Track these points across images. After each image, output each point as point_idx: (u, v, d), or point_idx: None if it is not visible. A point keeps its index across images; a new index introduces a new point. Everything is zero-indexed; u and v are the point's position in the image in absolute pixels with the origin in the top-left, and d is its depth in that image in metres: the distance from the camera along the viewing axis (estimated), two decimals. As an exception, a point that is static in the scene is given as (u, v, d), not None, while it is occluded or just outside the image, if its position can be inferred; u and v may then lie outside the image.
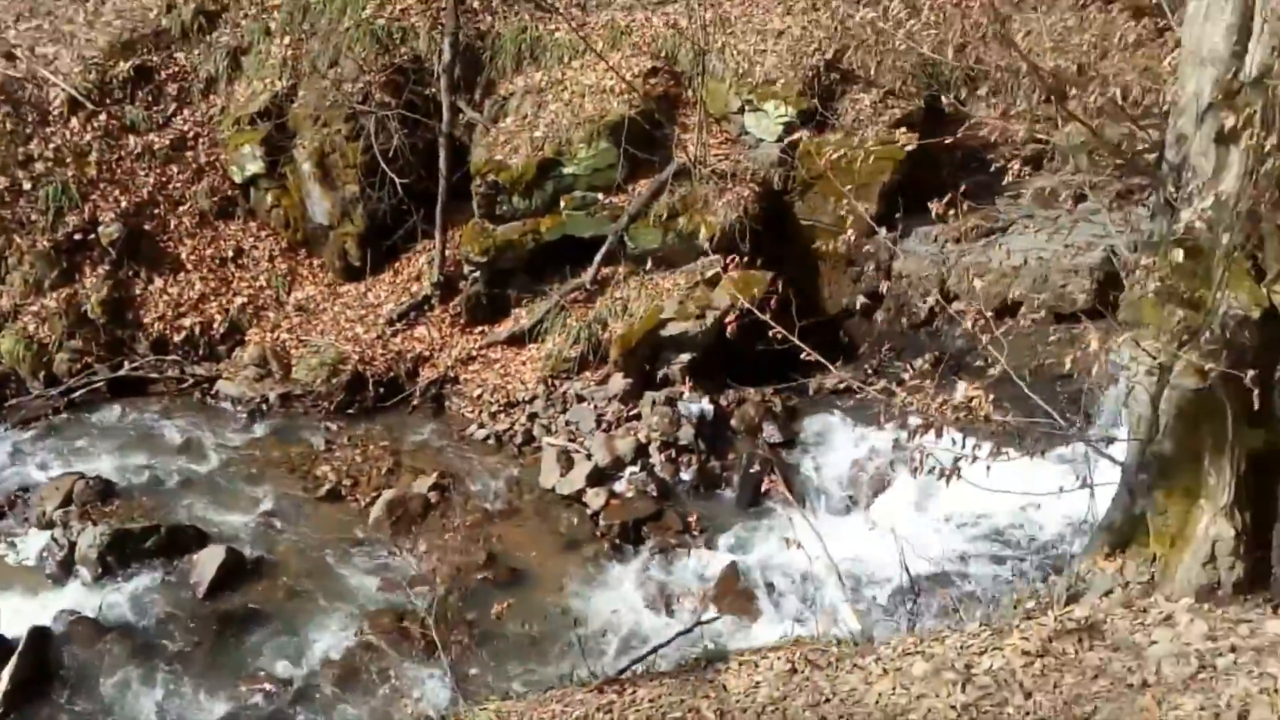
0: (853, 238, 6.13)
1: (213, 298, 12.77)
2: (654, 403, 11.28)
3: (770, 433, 11.32)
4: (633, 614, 9.60)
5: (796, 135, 11.51)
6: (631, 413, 11.48)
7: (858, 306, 12.04)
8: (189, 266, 12.86)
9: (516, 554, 10.14)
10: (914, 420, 4.40)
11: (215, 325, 12.63)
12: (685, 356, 11.59)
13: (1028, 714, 3.44)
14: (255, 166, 12.80)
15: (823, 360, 5.18)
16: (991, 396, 4.45)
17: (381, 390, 12.06)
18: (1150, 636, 3.62)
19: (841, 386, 11.93)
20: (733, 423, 11.49)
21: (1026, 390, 4.96)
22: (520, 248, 12.15)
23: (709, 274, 11.93)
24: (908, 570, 6.87)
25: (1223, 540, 3.77)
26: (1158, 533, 3.99)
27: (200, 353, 12.58)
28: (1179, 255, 3.56)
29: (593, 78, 11.75)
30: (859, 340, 12.21)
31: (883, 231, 7.09)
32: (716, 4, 11.97)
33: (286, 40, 12.94)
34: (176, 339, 12.50)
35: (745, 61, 11.72)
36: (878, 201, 11.56)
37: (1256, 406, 3.70)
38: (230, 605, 9.46)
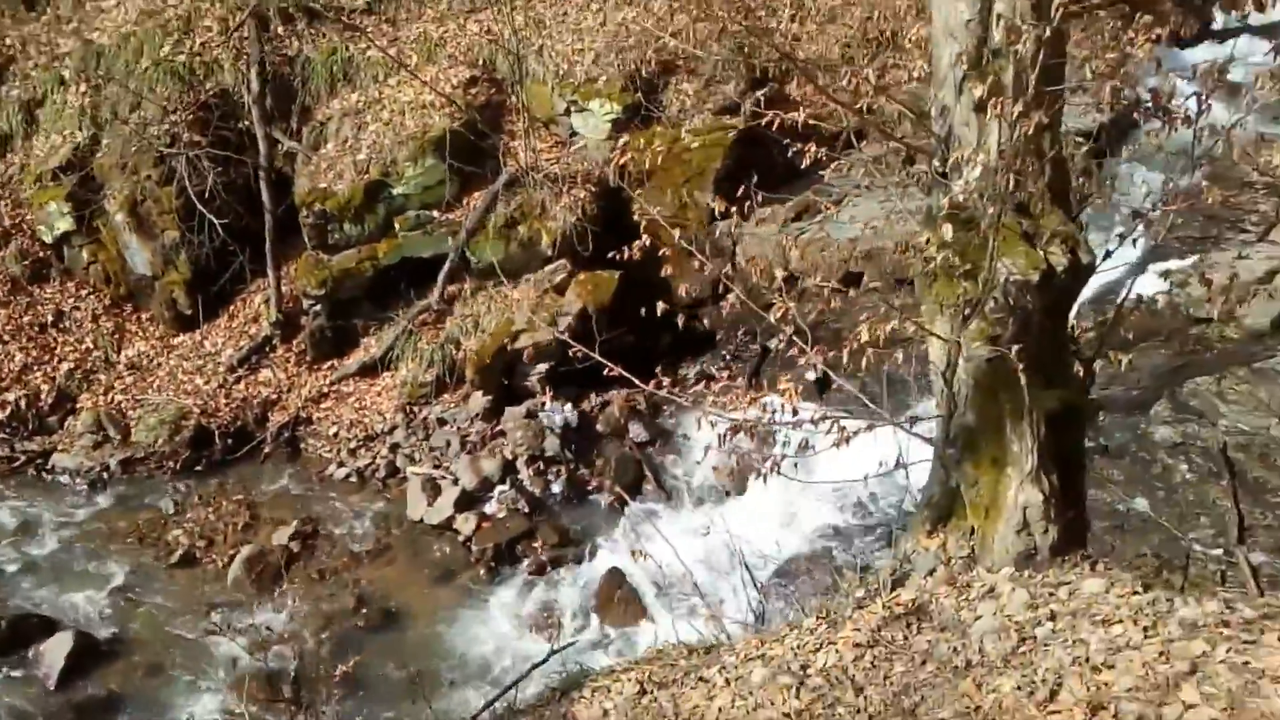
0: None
1: (36, 367, 11.99)
2: (516, 417, 11.04)
3: (636, 432, 11.20)
4: (513, 639, 9.36)
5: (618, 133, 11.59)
6: (496, 430, 11.23)
7: (708, 295, 12.14)
8: (6, 337, 12.05)
9: (388, 594, 9.79)
10: (722, 424, 4.27)
11: (43, 396, 11.86)
12: (542, 366, 11.37)
13: (859, 711, 3.36)
14: (65, 224, 12.05)
15: (626, 374, 5.00)
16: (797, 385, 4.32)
17: (230, 441, 11.49)
18: (975, 612, 3.59)
19: (707, 371, 12.03)
20: (599, 427, 11.34)
21: (841, 381, 4.92)
22: (359, 275, 11.75)
23: (557, 280, 11.77)
24: (748, 569, 6.84)
25: (1033, 505, 3.76)
26: (973, 505, 3.98)
27: (30, 427, 11.78)
28: (948, 231, 3.53)
29: (411, 93, 11.41)
30: (716, 326, 12.20)
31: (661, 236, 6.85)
32: (528, 6, 11.74)
33: (83, 88, 12.20)
34: (1, 416, 11.69)
35: (565, 62, 11.54)
36: (712, 188, 11.57)
37: (1048, 368, 3.72)
38: (84, 694, 8.87)
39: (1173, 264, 10.42)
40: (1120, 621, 3.12)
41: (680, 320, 6.48)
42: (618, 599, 9.44)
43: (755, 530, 10.12)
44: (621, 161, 11.03)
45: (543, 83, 11.69)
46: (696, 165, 11.47)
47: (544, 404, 11.20)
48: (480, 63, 11.82)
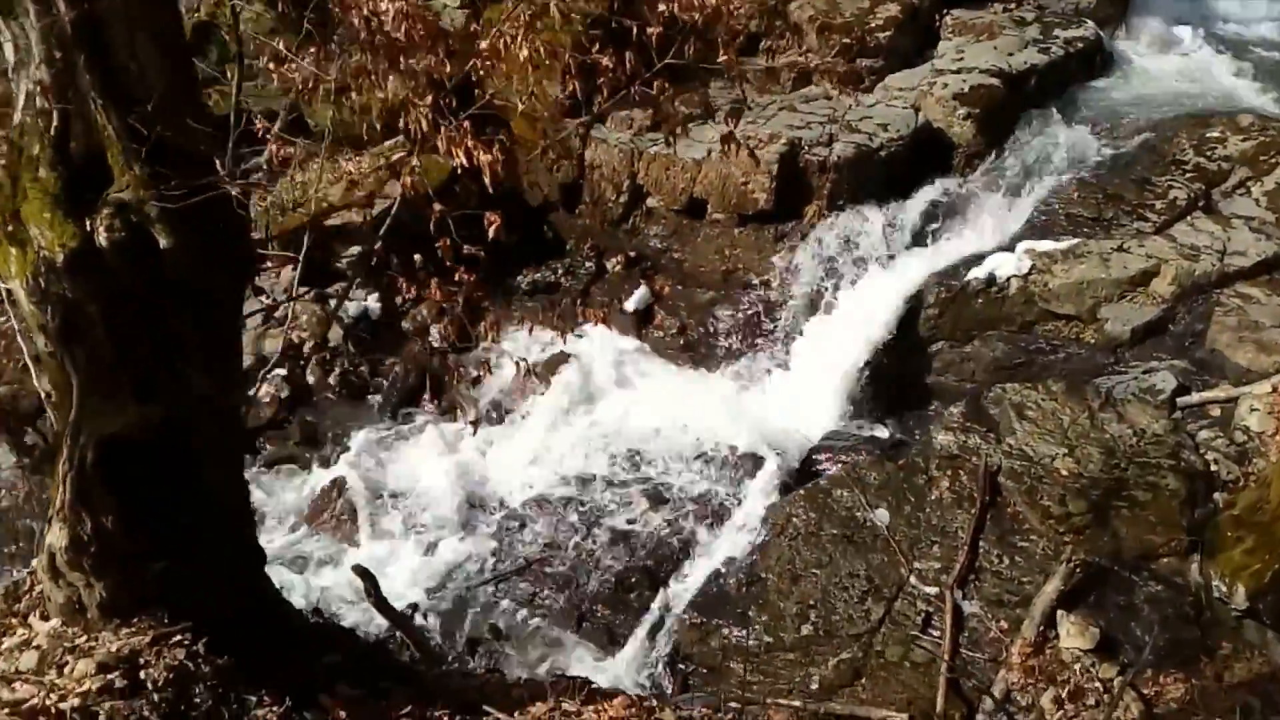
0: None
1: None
2: (306, 300, 10.33)
3: (438, 334, 10.38)
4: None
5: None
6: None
7: (558, 198, 11.04)
8: None
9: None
10: None
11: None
12: (354, 250, 10.57)
13: None
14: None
15: None
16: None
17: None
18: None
19: (540, 282, 11.03)
20: (404, 324, 10.56)
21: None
22: (194, 123, 11.03)
23: (394, 158, 10.87)
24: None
25: (59, 550, 2.86)
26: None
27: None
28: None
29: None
30: (565, 235, 11.12)
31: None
32: None
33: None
34: None
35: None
36: (562, 81, 10.32)
37: (129, 375, 2.75)
38: None
39: (1045, 244, 8.86)
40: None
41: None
42: (332, 513, 8.82)
43: (511, 463, 9.35)
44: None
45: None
46: (548, 52, 10.19)
47: (343, 290, 10.47)
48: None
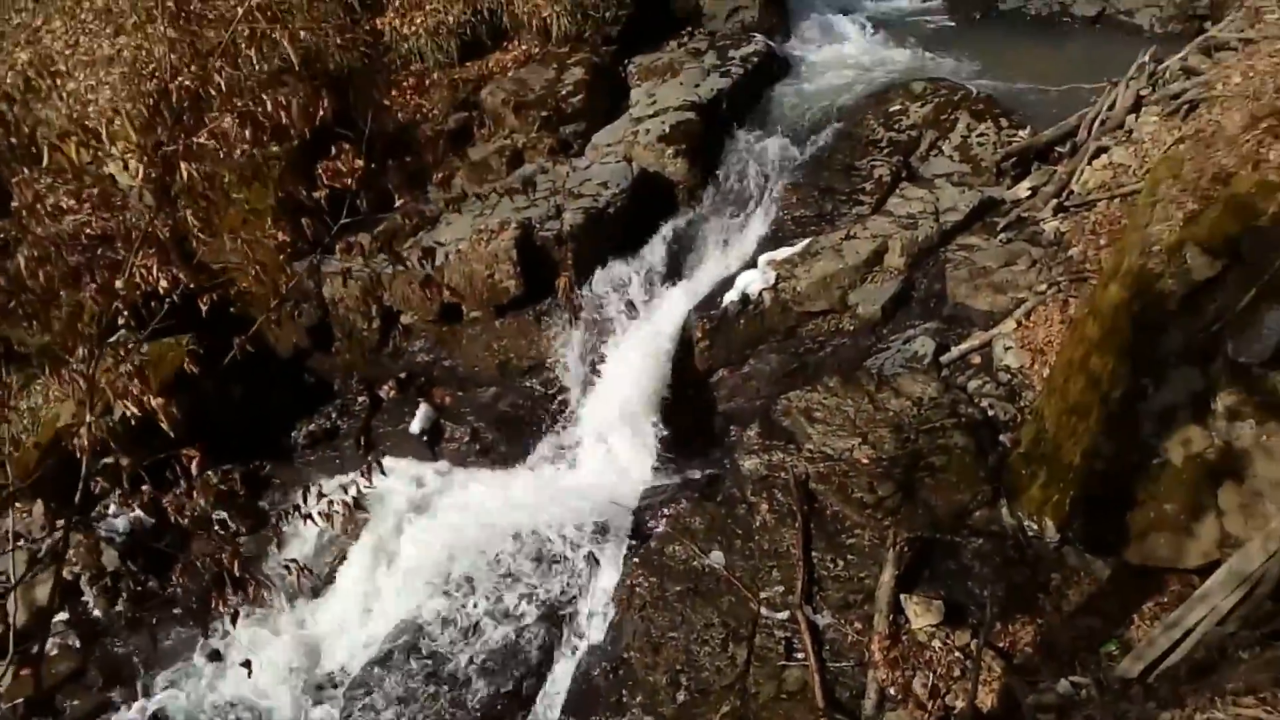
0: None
1: None
2: (68, 530, 9.44)
3: (224, 520, 9.73)
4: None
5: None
6: (61, 545, 9.64)
7: (309, 343, 10.63)
8: None
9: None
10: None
11: None
12: (105, 462, 9.76)
13: None
14: None
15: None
16: None
17: None
18: None
19: (317, 432, 10.53)
20: (185, 521, 9.79)
21: None
22: (-117, 383, 9.94)
23: (122, 354, 10.16)
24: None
25: None
26: None
27: None
28: None
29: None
30: (329, 377, 10.70)
31: None
32: (34, 41, 9.91)
33: None
34: None
35: (78, 102, 9.77)
36: (279, 226, 9.99)
37: None
38: None
39: (782, 251, 9.23)
40: None
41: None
42: (161, 748, 8.05)
43: (339, 630, 8.84)
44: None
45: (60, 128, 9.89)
46: (252, 204, 9.87)
47: (108, 508, 9.67)
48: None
